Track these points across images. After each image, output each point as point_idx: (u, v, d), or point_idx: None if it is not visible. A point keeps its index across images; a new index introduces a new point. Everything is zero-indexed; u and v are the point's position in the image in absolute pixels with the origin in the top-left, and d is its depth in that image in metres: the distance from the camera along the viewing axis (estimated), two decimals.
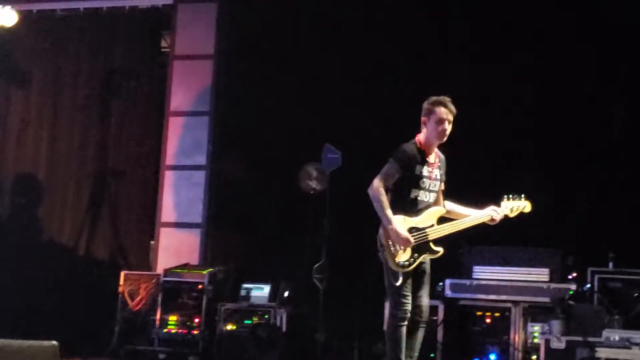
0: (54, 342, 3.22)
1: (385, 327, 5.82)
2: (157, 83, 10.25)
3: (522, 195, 6.08)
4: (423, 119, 5.83)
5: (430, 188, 5.83)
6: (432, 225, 5.80)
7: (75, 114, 9.82)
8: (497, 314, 7.92)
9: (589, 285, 7.72)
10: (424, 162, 5.81)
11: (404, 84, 8.73)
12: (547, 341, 7.23)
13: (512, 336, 7.80)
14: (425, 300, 5.80)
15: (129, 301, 8.64)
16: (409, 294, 5.69)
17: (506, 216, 6.00)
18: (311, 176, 8.43)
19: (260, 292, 8.55)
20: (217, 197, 9.67)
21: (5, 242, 8.69)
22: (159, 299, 8.60)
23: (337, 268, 8.31)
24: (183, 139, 9.82)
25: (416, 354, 5.82)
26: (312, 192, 8.31)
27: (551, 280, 7.84)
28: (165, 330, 8.52)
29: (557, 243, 8.05)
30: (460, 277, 8.08)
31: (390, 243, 5.64)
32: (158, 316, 8.55)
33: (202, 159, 9.76)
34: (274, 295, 8.51)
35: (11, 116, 9.30)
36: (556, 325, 7.26)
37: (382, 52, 8.87)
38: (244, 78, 9.55)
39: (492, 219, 5.94)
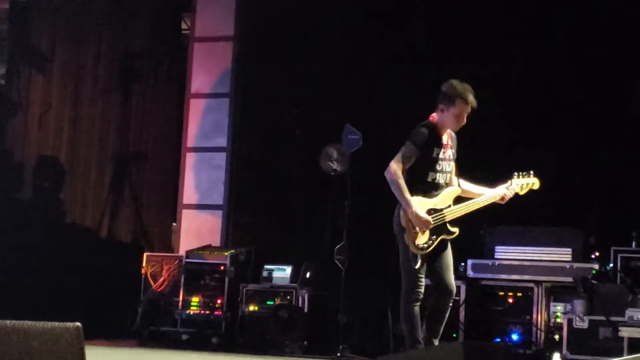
0: (78, 324, 3.24)
1: (401, 309, 5.83)
2: (177, 65, 10.25)
3: (531, 172, 6.08)
4: (444, 104, 5.81)
5: (445, 169, 5.87)
6: (449, 206, 5.84)
7: (97, 97, 9.84)
8: (519, 294, 7.91)
9: (611, 265, 7.68)
10: (439, 143, 5.83)
11: (425, 65, 8.70)
12: (570, 321, 7.22)
13: (534, 316, 7.78)
14: (451, 278, 5.86)
15: (152, 283, 8.68)
16: (424, 276, 5.74)
17: (516, 194, 6.04)
18: (332, 157, 8.40)
19: (282, 273, 8.57)
20: (238, 179, 9.69)
21: (28, 225, 8.74)
22: (182, 280, 8.64)
23: (359, 249, 8.31)
24: (204, 121, 9.83)
25: (440, 332, 5.89)
26: (332, 173, 8.29)
27: (574, 260, 7.81)
28: (187, 311, 8.55)
29: (580, 222, 8.02)
30: (482, 257, 8.06)
31: (411, 225, 5.65)
32: (181, 297, 8.59)
33: (222, 141, 9.77)
34: (295, 276, 8.53)
35: (33, 100, 9.33)
36: (579, 304, 7.24)
37: (405, 34, 8.84)
38: (264, 59, 9.54)
39: (503, 198, 5.96)
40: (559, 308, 7.69)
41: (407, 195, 5.68)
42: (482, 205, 5.98)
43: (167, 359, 6.89)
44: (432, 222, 5.69)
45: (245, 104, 9.72)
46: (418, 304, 5.76)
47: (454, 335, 7.88)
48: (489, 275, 7.99)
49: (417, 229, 5.67)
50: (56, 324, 3.19)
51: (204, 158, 9.82)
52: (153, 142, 10.26)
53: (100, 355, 6.57)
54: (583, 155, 8.32)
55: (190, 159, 9.88)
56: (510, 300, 7.93)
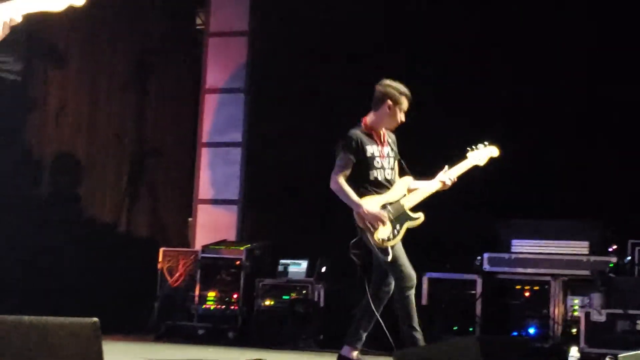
0: (95, 319, 3.25)
1: (396, 300, 5.99)
2: (192, 61, 10.26)
3: (486, 143, 6.35)
4: (379, 104, 6.05)
5: (386, 166, 6.05)
6: (405, 195, 6.05)
7: (113, 93, 9.86)
8: (536, 288, 7.89)
9: (629, 258, 7.64)
10: (373, 142, 6.04)
11: (440, 61, 8.70)
12: (588, 314, 7.19)
13: (551, 310, 7.76)
14: (410, 266, 5.97)
15: (168, 278, 8.71)
16: (405, 262, 5.92)
17: (477, 166, 6.33)
18: None
19: (298, 267, 8.58)
20: (254, 174, 9.70)
21: (46, 222, 8.77)
22: (198, 275, 8.66)
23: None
24: (219, 116, 9.85)
25: (416, 320, 5.98)
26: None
27: (591, 253, 7.78)
28: (204, 306, 8.58)
29: (597, 215, 7.99)
30: (499, 250, 8.04)
31: (367, 224, 5.84)
32: (197, 292, 8.61)
33: (237, 136, 9.79)
34: (311, 270, 8.54)
35: (50, 97, 9.35)
36: (596, 298, 7.22)
37: (423, 28, 8.83)
38: (279, 54, 9.54)
39: (444, 182, 6.20)
40: (576, 301, 7.66)
41: (354, 197, 5.87)
42: (434, 191, 6.18)
43: (184, 353, 6.91)
44: (387, 214, 5.87)
45: (260, 99, 9.73)
46: (411, 291, 5.92)
47: (471, 329, 7.88)
48: (505, 269, 7.97)
49: (375, 224, 5.83)
50: (74, 319, 3.20)
51: (219, 153, 9.84)
52: (169, 138, 10.29)
53: (118, 349, 6.60)
54: (599, 148, 8.28)
55: (205, 154, 9.90)
56: (527, 294, 7.91)
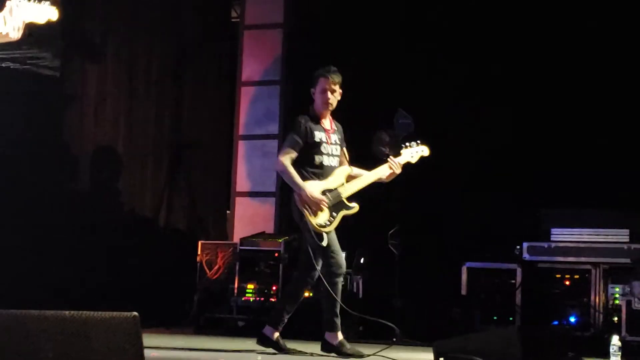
0: (135, 313, 3.27)
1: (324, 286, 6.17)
2: (227, 54, 10.29)
3: (418, 141, 6.58)
4: (313, 88, 6.31)
5: (332, 153, 6.26)
6: (343, 184, 6.23)
7: (150, 87, 9.91)
8: (576, 276, 7.83)
9: None
10: (320, 128, 6.24)
11: (473, 50, 8.65)
12: (629, 302, 7.12)
13: (592, 298, 7.70)
14: (341, 254, 6.21)
15: (207, 270, 8.74)
16: (338, 250, 6.13)
17: (408, 163, 6.51)
18: (384, 142, 8.37)
19: None
20: None
21: (86, 217, 8.84)
22: (236, 267, 8.68)
23: (412, 233, 8.29)
24: (255, 109, 9.86)
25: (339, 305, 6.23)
26: (384, 157, 8.26)
27: (631, 241, 7.71)
28: (243, 298, 8.60)
29: (638, 203, 7.90)
30: (538, 240, 7.99)
31: (307, 207, 6.02)
32: (236, 285, 8.64)
33: (274, 128, 9.80)
34: (349, 261, 8.52)
35: (88, 92, 9.40)
36: (637, 286, 7.15)
37: (459, 19, 8.79)
38: (314, 45, 9.52)
39: (391, 171, 6.40)
40: (617, 290, 7.59)
41: (299, 180, 6.05)
42: (373, 180, 6.37)
43: (224, 345, 6.93)
44: (327, 201, 6.06)
45: (296, 91, 9.72)
46: (340, 279, 6.16)
47: (511, 319, 7.84)
48: (545, 258, 7.93)
49: (315, 208, 6.01)
50: (114, 313, 3.23)
51: (256, 146, 9.85)
52: (206, 131, 10.32)
53: (158, 343, 6.64)
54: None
55: (242, 147, 9.92)
56: (568, 283, 7.86)
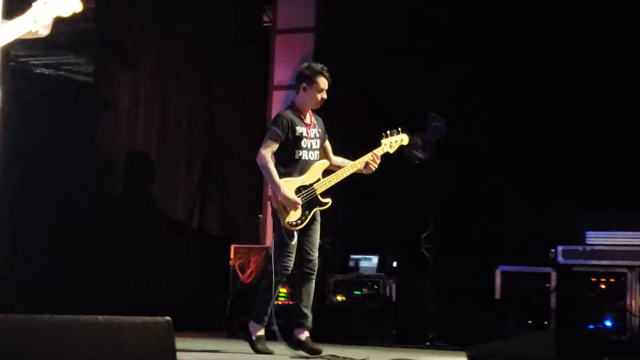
0: (168, 318, 3.28)
1: (266, 282, 6.39)
2: (259, 58, 10.30)
3: (399, 129, 6.58)
4: (305, 84, 6.37)
5: (312, 147, 6.39)
6: (319, 180, 6.37)
7: (182, 92, 9.96)
8: (612, 280, 7.75)
9: None
10: (301, 123, 6.37)
11: (503, 49, 8.61)
12: None
13: (627, 301, 7.61)
14: (316, 254, 6.44)
15: (240, 274, 8.75)
16: (294, 252, 6.27)
17: (387, 153, 6.53)
18: (416, 145, 8.35)
19: (369, 262, 8.55)
20: None
21: (119, 221, 8.90)
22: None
23: (445, 237, 8.26)
24: None
25: (310, 303, 6.52)
26: (417, 161, 8.24)
27: None
28: (276, 302, 8.58)
29: None
30: (573, 243, 7.92)
31: (282, 206, 6.19)
32: None
33: None
34: (382, 265, 8.50)
35: (121, 97, 9.48)
36: None
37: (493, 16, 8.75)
38: (345, 49, 9.51)
39: (367, 163, 6.42)
40: None
41: (276, 179, 6.20)
42: (350, 172, 6.44)
43: None
44: (301, 201, 6.22)
45: (328, 95, 9.70)
46: (284, 279, 6.38)
47: (546, 322, 7.78)
48: (580, 262, 7.85)
49: (288, 208, 6.17)
50: (147, 318, 3.24)
51: None
52: (238, 135, 10.34)
53: (191, 346, 6.66)
54: None
55: None
56: (603, 286, 7.78)
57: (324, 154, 6.51)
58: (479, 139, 8.57)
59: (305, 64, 6.52)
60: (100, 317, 3.13)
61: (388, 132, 6.56)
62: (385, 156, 6.53)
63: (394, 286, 8.38)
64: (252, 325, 6.51)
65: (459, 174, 8.60)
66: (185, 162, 9.93)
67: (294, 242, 6.27)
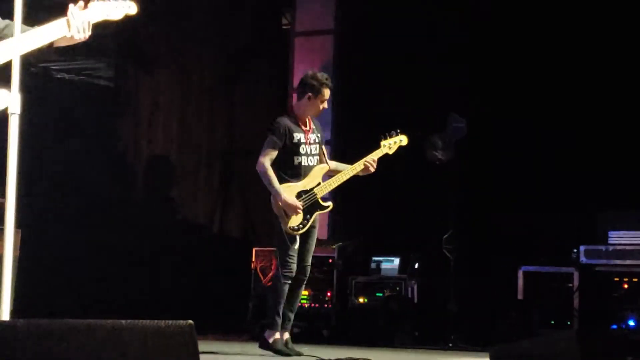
0: (190, 321, 3.29)
1: (272, 285, 6.50)
2: (278, 61, 10.31)
3: (398, 130, 6.69)
4: (310, 93, 6.45)
5: (311, 152, 6.48)
6: (319, 184, 6.46)
7: (202, 95, 9.98)
8: (635, 280, 7.71)
9: None
10: (299, 129, 6.46)
11: (526, 48, 8.58)
12: None
13: None
14: (310, 261, 6.55)
15: (262, 277, 8.76)
16: (296, 255, 6.38)
17: (387, 154, 6.69)
18: (437, 146, 8.34)
19: (390, 264, 8.55)
20: None
21: (140, 226, 8.92)
22: None
23: (467, 238, 8.24)
24: None
25: (296, 307, 6.63)
26: (437, 162, 8.23)
27: None
28: (299, 304, 8.59)
29: None
30: (595, 243, 7.88)
31: (283, 212, 6.29)
32: None
33: (327, 134, 9.77)
34: (404, 267, 8.50)
35: (141, 101, 9.51)
36: None
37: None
38: (364, 51, 9.51)
39: (366, 165, 6.56)
40: None
41: (276, 185, 6.29)
42: (350, 175, 6.55)
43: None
44: (302, 205, 6.31)
45: (347, 97, 9.71)
46: (289, 281, 6.39)
47: (568, 323, 7.75)
48: (603, 261, 7.81)
49: (290, 213, 6.27)
50: (170, 322, 3.24)
51: None
52: (258, 138, 10.31)
53: (213, 348, 6.68)
54: None
55: None
56: (626, 286, 7.74)
57: (323, 158, 6.61)
58: (500, 139, 8.54)
59: (310, 73, 6.57)
60: (123, 321, 3.13)
61: (387, 133, 6.69)
62: (385, 157, 6.68)
63: (415, 287, 8.37)
64: (266, 332, 6.55)
65: (480, 175, 8.58)
66: (206, 166, 9.95)
67: (297, 246, 6.38)
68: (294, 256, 6.39)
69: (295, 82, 9.91)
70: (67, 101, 8.46)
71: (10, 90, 3.84)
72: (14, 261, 3.91)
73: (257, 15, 10.36)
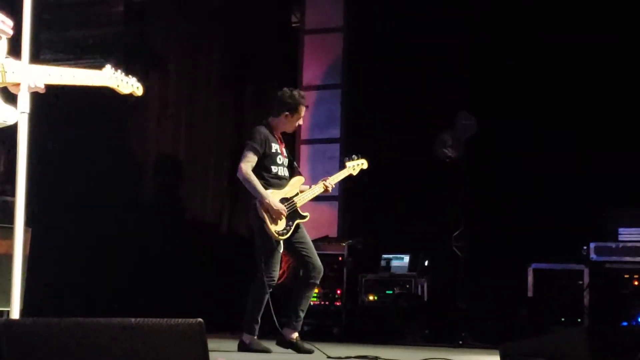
0: (200, 320, 3.29)
1: (254, 290, 6.54)
2: (288, 58, 10.30)
3: (359, 155, 7.02)
4: (287, 111, 6.66)
5: (285, 164, 6.67)
6: (297, 194, 6.63)
7: (211, 93, 9.97)
8: None
9: None
10: (275, 140, 6.67)
11: (537, 45, 8.56)
12: None
13: None
14: (318, 261, 6.65)
15: None
16: (279, 262, 6.49)
17: (351, 175, 6.96)
18: (446, 144, 8.33)
19: (400, 262, 8.55)
20: None
21: (149, 223, 8.93)
22: (300, 272, 8.67)
23: (477, 235, 8.23)
24: (317, 113, 9.87)
25: (307, 307, 6.68)
26: (447, 160, 8.22)
27: None
28: (310, 302, 8.59)
29: None
30: (606, 240, 7.86)
31: (268, 215, 6.35)
32: None
33: (336, 132, 9.79)
34: (414, 264, 8.49)
35: (150, 100, 9.50)
36: None
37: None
38: (375, 49, 9.51)
39: (326, 187, 6.76)
40: None
41: (261, 189, 6.40)
42: (316, 194, 6.75)
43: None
44: (285, 211, 6.40)
45: (357, 95, 9.71)
46: (271, 290, 6.44)
47: (579, 320, 7.73)
48: (613, 258, 7.80)
49: (275, 217, 6.35)
50: (179, 320, 3.24)
51: (319, 150, 9.86)
52: None
53: (222, 347, 6.69)
54: None
55: (304, 151, 9.94)
56: (636, 283, 7.72)
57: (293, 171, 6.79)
58: (509, 136, 8.52)
59: (287, 92, 6.72)
60: (132, 320, 3.13)
61: (350, 156, 6.98)
62: (349, 177, 7.00)
63: (425, 285, 8.37)
64: (244, 336, 6.60)
65: (490, 172, 8.57)
66: (214, 163, 9.95)
67: (281, 250, 6.46)
68: (278, 263, 6.48)
69: (305, 80, 9.95)
70: (75, 100, 8.47)
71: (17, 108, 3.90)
72: (23, 260, 3.91)
73: (267, 13, 10.35)
